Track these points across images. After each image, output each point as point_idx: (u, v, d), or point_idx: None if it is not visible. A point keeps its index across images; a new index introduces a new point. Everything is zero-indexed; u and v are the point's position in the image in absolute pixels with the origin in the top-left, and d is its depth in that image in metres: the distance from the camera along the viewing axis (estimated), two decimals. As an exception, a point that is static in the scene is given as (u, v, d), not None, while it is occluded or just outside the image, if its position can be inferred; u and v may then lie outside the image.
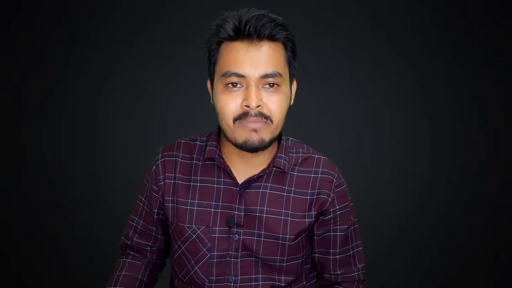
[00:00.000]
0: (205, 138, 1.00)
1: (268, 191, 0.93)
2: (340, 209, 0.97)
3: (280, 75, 0.85)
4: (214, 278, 0.92)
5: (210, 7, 2.07)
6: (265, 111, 0.84)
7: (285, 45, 0.88)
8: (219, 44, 0.87)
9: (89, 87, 2.15)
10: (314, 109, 2.08)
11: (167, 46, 2.11)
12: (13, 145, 2.15)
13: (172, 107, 2.14)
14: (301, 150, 0.99)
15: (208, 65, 0.91)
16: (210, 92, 0.94)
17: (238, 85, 0.84)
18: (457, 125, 2.16)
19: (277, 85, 0.85)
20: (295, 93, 0.97)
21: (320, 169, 0.96)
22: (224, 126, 0.87)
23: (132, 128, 2.16)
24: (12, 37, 2.11)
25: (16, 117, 2.15)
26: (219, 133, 0.97)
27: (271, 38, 0.84)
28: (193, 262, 0.93)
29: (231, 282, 0.92)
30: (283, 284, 0.95)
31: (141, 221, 1.03)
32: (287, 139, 1.00)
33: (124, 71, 2.14)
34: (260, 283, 0.93)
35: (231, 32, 0.84)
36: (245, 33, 0.83)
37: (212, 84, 0.91)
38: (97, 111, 2.16)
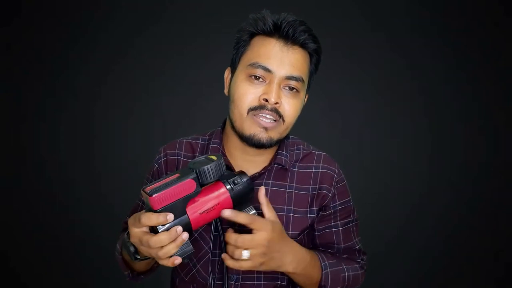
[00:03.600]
0: (206, 137, 1.01)
1: (270, 188, 0.94)
2: (340, 204, 0.97)
3: (303, 81, 0.88)
4: (216, 276, 0.92)
5: (210, 7, 2.08)
6: (280, 109, 0.86)
7: (311, 56, 0.91)
8: (252, 36, 0.89)
9: (89, 87, 2.15)
10: (314, 109, 2.08)
11: (167, 46, 2.12)
12: (13, 145, 2.15)
13: (172, 107, 2.15)
14: (301, 147, 1.00)
15: (234, 53, 0.92)
16: (227, 80, 0.95)
17: (261, 79, 0.86)
18: (457, 125, 2.16)
19: (297, 90, 0.88)
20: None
21: (321, 165, 0.97)
22: (236, 115, 0.88)
23: (132, 128, 2.16)
24: (12, 37, 2.11)
25: (16, 117, 2.16)
26: (222, 131, 0.98)
27: (303, 45, 0.88)
28: (195, 260, 0.93)
29: (233, 281, 0.92)
30: (285, 284, 0.95)
31: None
32: (288, 137, 1.00)
33: (124, 71, 2.14)
34: (262, 282, 0.93)
35: (270, 27, 0.86)
36: (283, 33, 0.86)
37: (232, 72, 0.92)
38: (97, 111, 2.16)
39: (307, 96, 0.97)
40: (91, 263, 2.15)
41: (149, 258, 0.79)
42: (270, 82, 0.85)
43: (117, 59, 2.13)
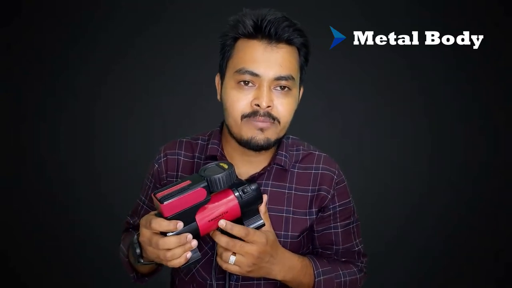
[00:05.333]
0: (206, 137, 1.00)
1: (269, 188, 0.93)
2: (340, 205, 0.97)
3: (293, 78, 0.86)
4: (216, 276, 0.91)
5: (210, 7, 2.08)
6: (273, 112, 0.85)
7: (299, 50, 0.89)
8: (235, 39, 0.87)
9: (89, 87, 2.15)
10: (314, 109, 2.08)
11: (167, 46, 2.12)
12: (13, 145, 2.15)
13: (172, 107, 2.15)
14: (301, 147, 1.00)
15: (220, 59, 0.91)
16: (218, 87, 0.94)
17: (250, 84, 0.85)
18: (457, 125, 2.16)
19: (288, 88, 0.86)
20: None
21: (321, 165, 0.96)
22: (231, 122, 0.88)
23: (132, 128, 2.16)
24: (12, 37, 2.11)
25: (16, 117, 2.15)
26: (220, 131, 0.98)
27: (289, 41, 0.85)
28: None
29: (232, 280, 0.92)
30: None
31: (138, 220, 1.03)
32: (288, 138, 1.00)
33: (124, 71, 2.14)
34: (262, 281, 0.93)
35: (250, 30, 0.84)
36: (265, 33, 0.83)
37: (222, 79, 0.91)
38: (97, 111, 2.16)
39: (302, 89, 0.96)
40: (91, 263, 2.15)
41: (152, 263, 0.80)
42: (259, 86, 0.84)
43: (117, 59, 2.13)
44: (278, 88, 0.85)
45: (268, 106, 0.84)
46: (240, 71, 0.84)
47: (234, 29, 0.86)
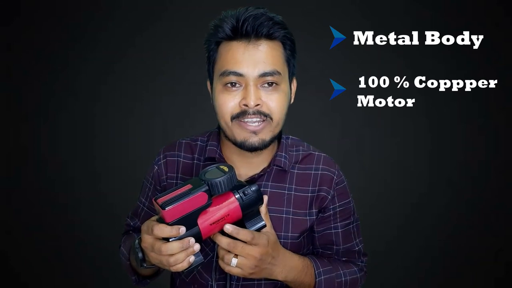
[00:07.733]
0: (205, 138, 1.00)
1: (269, 190, 0.93)
2: (340, 206, 0.97)
3: (279, 73, 0.85)
4: (217, 276, 0.91)
5: (210, 7, 2.08)
6: (264, 109, 0.85)
7: (283, 44, 0.88)
8: (218, 44, 0.87)
9: (89, 87, 2.15)
10: (314, 109, 2.08)
11: (167, 46, 2.11)
12: (13, 145, 2.15)
13: (172, 107, 2.14)
14: (301, 148, 0.99)
15: (207, 65, 0.91)
16: (210, 92, 0.94)
17: (237, 85, 0.84)
18: (457, 125, 2.16)
19: (276, 83, 0.85)
20: (295, 92, 0.97)
21: (321, 166, 0.96)
22: (222, 124, 0.88)
23: (132, 128, 2.16)
24: (12, 37, 2.11)
25: (16, 117, 2.15)
26: (219, 133, 0.98)
27: (269, 36, 0.84)
28: None
29: (233, 281, 0.91)
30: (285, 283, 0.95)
31: (138, 223, 1.03)
32: (287, 138, 1.00)
33: (124, 71, 2.14)
34: (263, 281, 0.93)
35: (228, 32, 0.84)
36: (243, 32, 0.83)
37: (211, 84, 0.91)
38: (97, 111, 2.16)
39: (294, 84, 0.95)
40: (91, 263, 2.15)
41: (154, 266, 0.79)
42: (245, 86, 0.84)
43: (117, 59, 2.13)
44: (266, 85, 0.85)
45: (257, 105, 0.83)
46: (225, 73, 0.84)
47: (214, 34, 0.87)
